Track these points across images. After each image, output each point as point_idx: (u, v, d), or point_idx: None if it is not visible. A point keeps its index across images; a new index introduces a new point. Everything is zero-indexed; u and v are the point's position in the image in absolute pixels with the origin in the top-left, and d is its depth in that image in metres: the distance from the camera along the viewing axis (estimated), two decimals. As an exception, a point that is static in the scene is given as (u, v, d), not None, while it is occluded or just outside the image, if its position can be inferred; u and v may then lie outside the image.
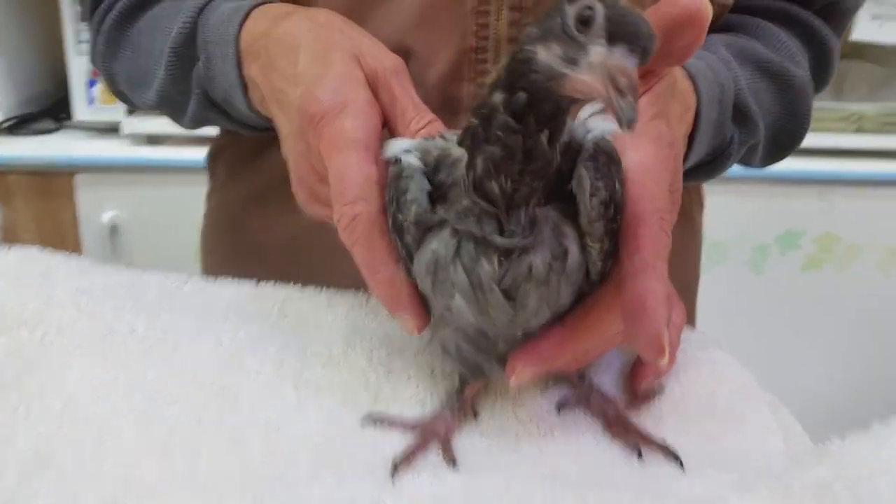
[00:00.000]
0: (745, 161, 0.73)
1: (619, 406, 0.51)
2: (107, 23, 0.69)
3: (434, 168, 0.43)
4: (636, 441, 0.48)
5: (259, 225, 0.75)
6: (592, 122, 0.43)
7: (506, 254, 0.41)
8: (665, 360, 0.41)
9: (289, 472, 0.44)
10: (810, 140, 0.70)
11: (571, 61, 0.35)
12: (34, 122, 1.83)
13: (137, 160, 1.70)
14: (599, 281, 0.44)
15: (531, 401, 0.51)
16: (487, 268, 0.41)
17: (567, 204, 0.42)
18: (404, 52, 0.59)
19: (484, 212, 0.40)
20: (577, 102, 0.38)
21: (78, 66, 1.73)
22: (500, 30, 0.60)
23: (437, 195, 0.43)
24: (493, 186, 0.39)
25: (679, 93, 0.55)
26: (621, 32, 0.35)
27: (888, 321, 1.95)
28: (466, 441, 0.48)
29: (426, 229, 0.43)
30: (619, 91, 0.34)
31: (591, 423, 0.50)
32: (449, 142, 0.43)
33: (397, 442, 0.47)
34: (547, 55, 0.36)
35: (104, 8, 0.70)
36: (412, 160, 0.43)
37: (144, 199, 1.73)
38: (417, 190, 0.42)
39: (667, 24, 0.40)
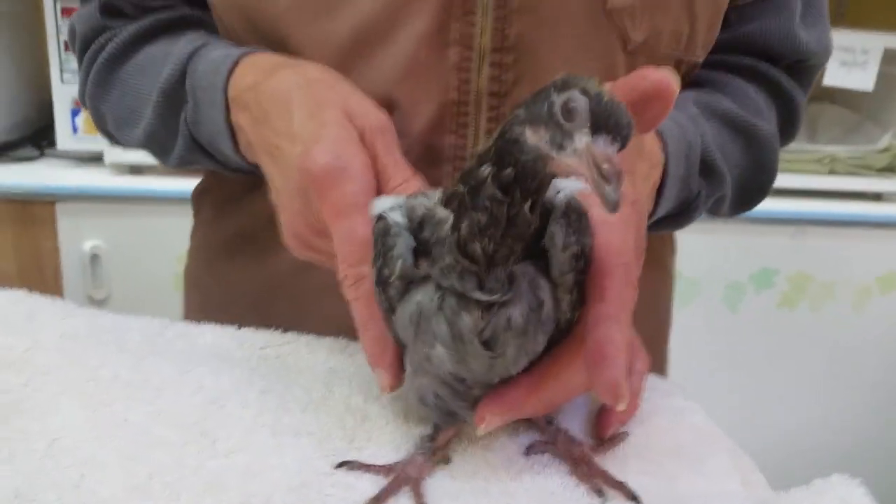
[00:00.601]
0: (713, 212, 0.76)
1: (585, 448, 0.53)
2: (97, 63, 0.70)
3: (419, 225, 0.45)
4: (599, 482, 0.50)
5: (242, 265, 0.76)
6: (562, 183, 0.45)
7: (486, 308, 0.43)
8: (623, 406, 0.43)
9: (265, 514, 0.46)
10: (784, 181, 0.73)
11: (558, 146, 0.39)
12: (16, 150, 1.83)
13: (119, 190, 1.71)
14: (567, 329, 0.47)
15: (501, 445, 0.53)
16: (468, 320, 0.43)
17: (539, 258, 0.45)
18: (389, 104, 0.62)
19: (466, 269, 0.42)
20: (558, 178, 0.41)
21: (62, 94, 1.73)
22: (481, 84, 0.62)
23: (422, 251, 0.45)
24: (476, 248, 0.41)
25: (646, 152, 0.58)
26: (603, 123, 0.38)
27: (861, 359, 1.98)
28: (437, 484, 0.50)
29: (409, 283, 0.46)
30: (604, 177, 0.37)
31: (558, 466, 0.52)
32: (431, 199, 0.46)
33: (371, 485, 0.49)
34: (534, 138, 0.39)
35: (95, 49, 0.71)
36: (398, 218, 0.46)
37: (126, 228, 1.74)
38: (403, 247, 0.45)
39: (636, 97, 0.43)
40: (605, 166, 0.37)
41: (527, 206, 0.41)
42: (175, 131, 0.66)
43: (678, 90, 0.44)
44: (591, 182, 0.38)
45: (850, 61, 1.78)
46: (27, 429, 0.50)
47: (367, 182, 0.50)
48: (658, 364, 0.81)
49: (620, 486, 0.49)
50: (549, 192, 0.45)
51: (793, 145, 0.81)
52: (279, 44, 0.63)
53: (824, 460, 2.07)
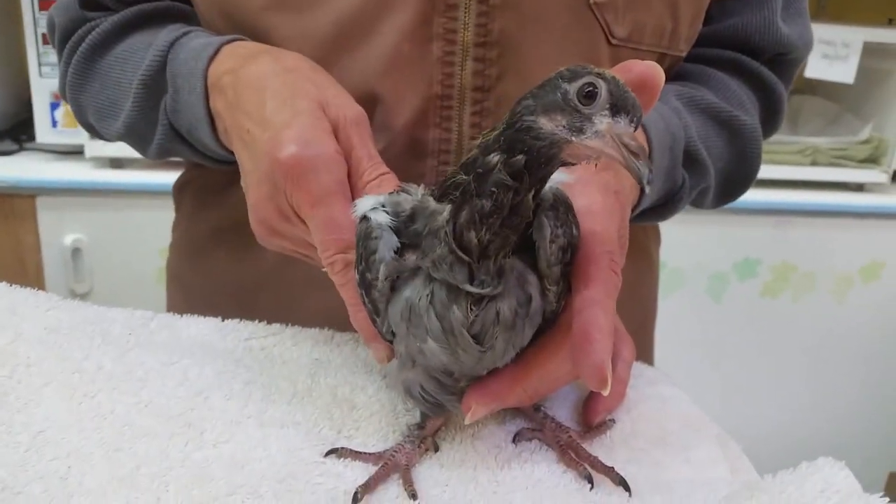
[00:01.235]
0: (697, 203, 0.76)
1: (573, 435, 0.53)
2: (77, 54, 0.70)
3: (409, 218, 0.45)
4: (587, 467, 0.50)
5: (224, 258, 0.76)
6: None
7: (476, 301, 0.43)
8: (608, 391, 0.43)
9: (253, 503, 0.46)
10: (767, 172, 0.74)
11: (577, 130, 0.39)
12: (-5, 144, 1.81)
13: (100, 183, 1.70)
14: (553, 319, 0.47)
15: (489, 433, 0.54)
16: (458, 314, 0.44)
17: (526, 251, 0.45)
18: (372, 98, 0.62)
19: (457, 260, 0.42)
20: (568, 165, 0.41)
21: (41, 88, 1.71)
22: (464, 78, 0.62)
23: (410, 244, 0.45)
24: (472, 237, 0.41)
25: None
26: (622, 105, 0.39)
27: (843, 348, 2.01)
28: (426, 472, 0.50)
29: (396, 279, 0.46)
30: (633, 153, 0.38)
31: (546, 453, 0.52)
32: (415, 194, 0.46)
33: (360, 473, 0.49)
34: (550, 125, 0.39)
35: (75, 40, 0.71)
36: (381, 217, 0.46)
37: (107, 222, 1.73)
38: (385, 249, 0.45)
39: None
40: (634, 143, 0.38)
41: (531, 194, 0.41)
42: (155, 122, 0.66)
43: (663, 81, 0.44)
44: (621, 160, 0.38)
45: (832, 54, 1.80)
46: (11, 421, 0.50)
47: (339, 171, 0.51)
48: (644, 352, 0.82)
49: (608, 472, 0.50)
50: None
51: (775, 137, 0.81)
52: (260, 39, 0.63)
53: (808, 447, 2.09)
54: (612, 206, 0.49)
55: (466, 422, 0.49)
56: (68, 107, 0.75)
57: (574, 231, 0.45)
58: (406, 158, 0.64)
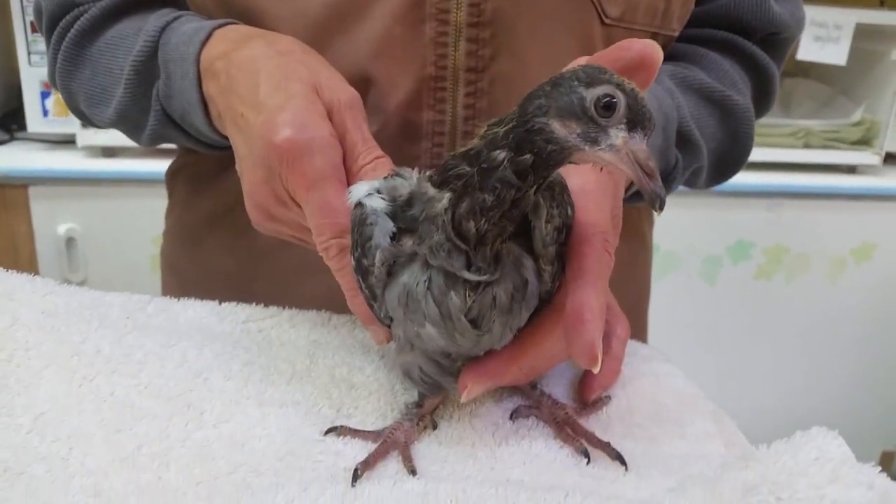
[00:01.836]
0: (690, 183, 0.77)
1: (570, 411, 0.54)
2: (66, 41, 0.69)
3: (406, 202, 0.45)
4: (583, 442, 0.51)
5: (219, 245, 0.76)
6: None
7: (473, 287, 0.44)
8: (597, 368, 0.44)
9: (254, 481, 0.46)
10: (759, 154, 0.73)
11: (592, 141, 0.39)
12: (-15, 134, 1.80)
13: (93, 172, 1.69)
14: (548, 299, 0.48)
15: (487, 410, 0.54)
16: (456, 300, 0.44)
17: (522, 233, 0.45)
18: (365, 81, 0.62)
19: (454, 248, 0.43)
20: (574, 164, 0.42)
21: (30, 76, 1.71)
22: (457, 59, 0.62)
23: (406, 229, 0.45)
24: (471, 226, 0.42)
25: None
26: (640, 120, 0.39)
27: (835, 329, 2.02)
28: (425, 449, 0.50)
29: (393, 263, 0.46)
30: (647, 174, 0.39)
31: (543, 429, 0.53)
32: (409, 178, 0.46)
33: (359, 451, 0.49)
34: (564, 130, 0.39)
35: (63, 26, 0.70)
36: (376, 203, 0.46)
37: (101, 211, 1.72)
38: (381, 235, 0.45)
39: (620, 68, 0.43)
40: (650, 164, 0.38)
41: (532, 189, 0.41)
42: (147, 108, 0.65)
43: (661, 59, 0.45)
44: (635, 179, 0.39)
45: (824, 36, 1.80)
46: (12, 404, 0.50)
47: (334, 154, 0.51)
48: (638, 332, 0.82)
49: (605, 447, 0.50)
50: None
51: (768, 119, 0.82)
52: (252, 21, 0.63)
53: (801, 427, 2.09)
54: (605, 185, 0.49)
55: (462, 400, 0.49)
56: (59, 96, 0.74)
57: (569, 211, 0.46)
58: (400, 141, 0.64)
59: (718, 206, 1.86)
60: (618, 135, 0.39)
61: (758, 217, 1.90)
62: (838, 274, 1.97)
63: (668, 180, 0.70)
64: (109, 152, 1.73)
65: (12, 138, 1.83)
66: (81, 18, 0.69)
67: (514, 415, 0.54)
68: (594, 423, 0.54)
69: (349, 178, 0.51)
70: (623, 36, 0.64)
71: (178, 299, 0.65)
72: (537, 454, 0.50)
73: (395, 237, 0.45)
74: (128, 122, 0.69)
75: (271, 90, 0.53)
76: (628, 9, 0.65)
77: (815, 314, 2.00)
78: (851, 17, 1.80)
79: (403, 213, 0.45)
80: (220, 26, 0.61)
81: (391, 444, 0.49)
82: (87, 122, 0.75)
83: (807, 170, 1.91)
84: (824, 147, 1.92)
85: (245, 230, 0.62)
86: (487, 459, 0.49)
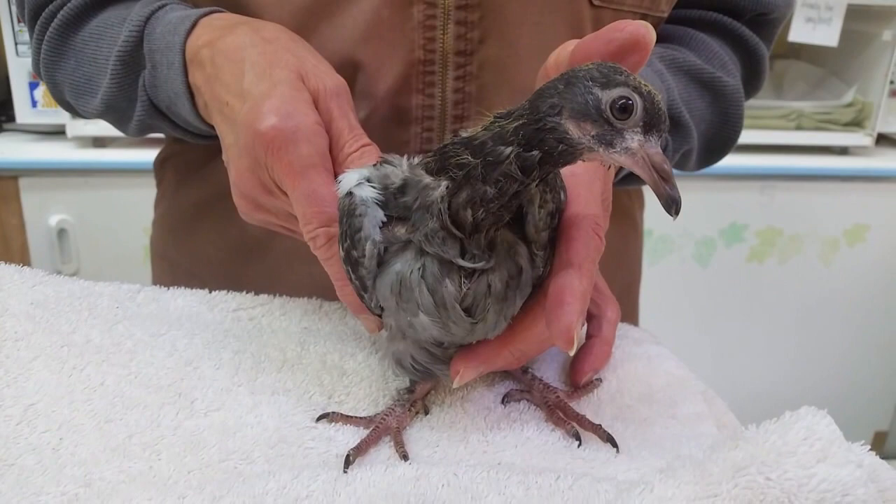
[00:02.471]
0: (680, 165, 0.76)
1: (561, 394, 0.54)
2: (50, 31, 0.68)
3: (399, 189, 0.45)
4: (575, 425, 0.51)
5: (208, 233, 0.76)
6: None
7: (468, 275, 0.44)
8: (573, 351, 0.44)
9: (246, 468, 0.46)
10: (752, 137, 0.72)
11: (607, 143, 0.39)
12: (-26, 126, 1.79)
13: (83, 163, 1.69)
14: (540, 284, 0.47)
15: (478, 395, 0.54)
16: (451, 288, 0.44)
17: (515, 219, 0.45)
18: (353, 66, 0.61)
19: (449, 235, 0.42)
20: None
21: (18, 67, 1.69)
22: (446, 43, 0.62)
23: (400, 216, 0.45)
24: (468, 215, 0.42)
25: None
26: (655, 123, 0.39)
27: (828, 310, 2.03)
28: (417, 434, 0.50)
29: (385, 250, 0.45)
30: (664, 178, 0.38)
31: (534, 413, 0.53)
32: (399, 166, 0.45)
33: (351, 437, 0.49)
34: (578, 131, 0.39)
35: (46, 16, 0.69)
36: (365, 192, 0.45)
37: (91, 201, 1.72)
38: (371, 226, 0.45)
39: (614, 49, 0.43)
40: (666, 167, 0.38)
41: (535, 183, 0.41)
42: (134, 98, 0.65)
43: (654, 41, 0.44)
44: (651, 183, 0.39)
45: (815, 17, 1.79)
46: (1, 395, 0.50)
47: (320, 142, 0.50)
48: (629, 314, 0.83)
49: (596, 430, 0.50)
50: None
51: (760, 101, 0.81)
52: (238, 8, 0.62)
53: (794, 408, 2.11)
54: (595, 169, 0.49)
55: (454, 385, 0.49)
56: (44, 83, 0.74)
57: (562, 195, 0.46)
58: (389, 126, 0.63)
59: (711, 189, 1.86)
60: (633, 138, 0.39)
61: (750, 199, 1.90)
62: (831, 255, 1.98)
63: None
64: (100, 142, 1.72)
65: (1, 129, 1.82)
66: (65, 8, 0.68)
67: (506, 399, 0.54)
68: (585, 406, 0.54)
69: (335, 167, 0.51)
70: (612, 18, 0.64)
71: (168, 288, 0.65)
72: (529, 438, 0.50)
73: (385, 225, 0.45)
74: (114, 112, 0.68)
75: (256, 78, 0.52)
76: None
77: (808, 296, 2.01)
78: (843, -2, 1.80)
79: (396, 201, 0.44)
80: (204, 15, 0.60)
81: (383, 430, 0.49)
82: (74, 112, 0.74)
83: (799, 151, 1.91)
84: (816, 129, 1.92)
85: (234, 219, 0.61)
86: (479, 443, 0.50)
